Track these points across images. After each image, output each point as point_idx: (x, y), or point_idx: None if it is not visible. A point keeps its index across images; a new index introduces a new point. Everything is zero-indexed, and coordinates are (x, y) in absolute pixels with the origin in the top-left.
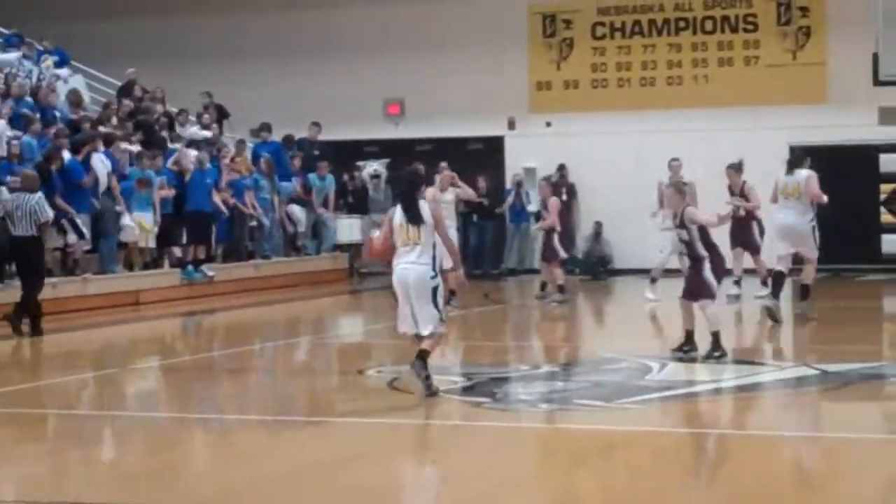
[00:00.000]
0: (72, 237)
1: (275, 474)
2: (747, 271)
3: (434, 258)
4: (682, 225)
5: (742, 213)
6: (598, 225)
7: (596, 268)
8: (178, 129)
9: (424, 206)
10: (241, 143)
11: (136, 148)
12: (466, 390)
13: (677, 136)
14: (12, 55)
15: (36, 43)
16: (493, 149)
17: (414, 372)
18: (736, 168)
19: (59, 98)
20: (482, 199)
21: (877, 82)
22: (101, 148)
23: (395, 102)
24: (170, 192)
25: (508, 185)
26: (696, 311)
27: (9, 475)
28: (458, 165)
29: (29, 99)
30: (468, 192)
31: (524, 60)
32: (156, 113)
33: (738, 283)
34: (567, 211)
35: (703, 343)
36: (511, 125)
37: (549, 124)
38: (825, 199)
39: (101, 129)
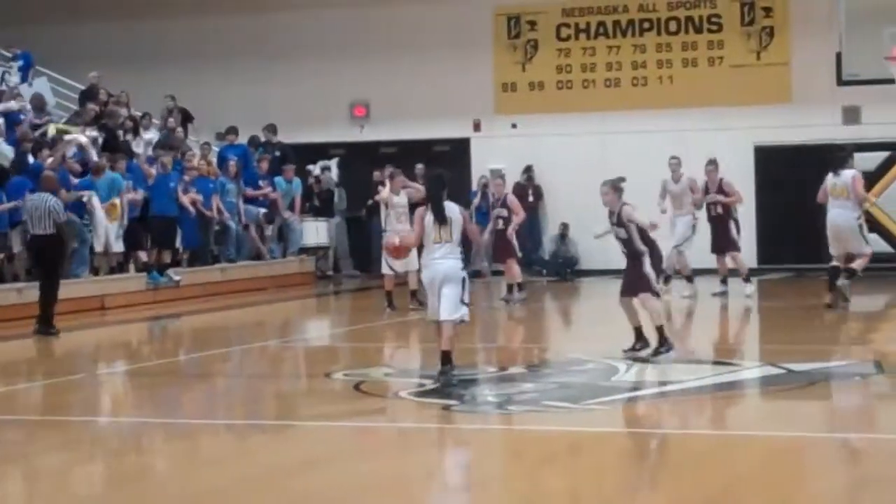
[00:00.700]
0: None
1: (242, 478)
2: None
3: (462, 254)
4: (619, 223)
5: (719, 210)
6: (565, 226)
7: (562, 269)
8: (141, 132)
9: (452, 207)
10: (205, 146)
11: (84, 138)
12: (434, 393)
13: (642, 136)
14: None
15: (1, 49)
16: (459, 151)
17: (444, 378)
18: (715, 165)
19: (24, 102)
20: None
21: (840, 82)
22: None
23: (361, 105)
24: (137, 196)
25: (475, 186)
26: (637, 306)
27: None
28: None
29: None
30: (421, 191)
31: (489, 62)
32: (120, 117)
33: (724, 281)
34: (534, 212)
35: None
36: (477, 127)
37: (514, 126)
38: (872, 199)
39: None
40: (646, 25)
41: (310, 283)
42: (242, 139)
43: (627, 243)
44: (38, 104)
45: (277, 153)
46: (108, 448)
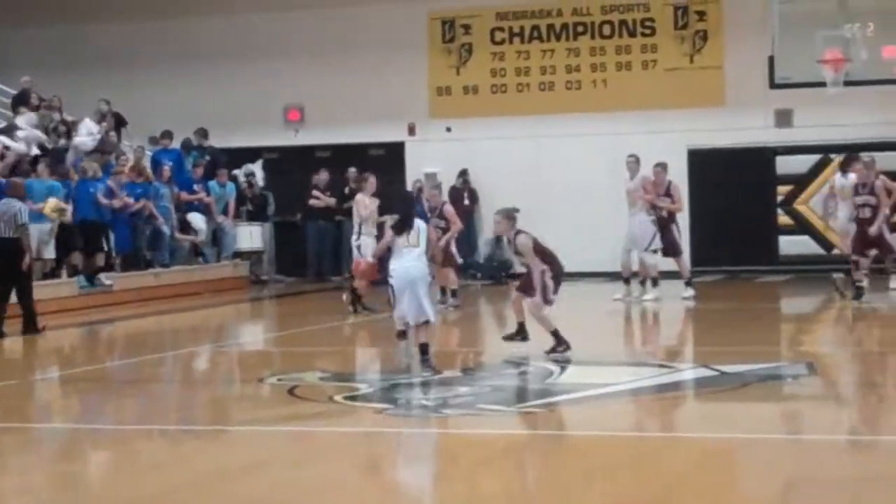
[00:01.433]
0: None
1: (177, 484)
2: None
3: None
4: (516, 251)
5: (664, 213)
6: None
7: (497, 272)
8: (73, 137)
9: (419, 222)
10: (139, 150)
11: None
12: (368, 397)
13: (577, 140)
14: None
15: None
16: (393, 154)
17: (427, 367)
18: (663, 167)
19: None
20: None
21: (773, 85)
22: None
23: (296, 108)
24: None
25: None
26: (525, 306)
27: None
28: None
29: None
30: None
31: (424, 66)
32: (53, 122)
33: (689, 283)
34: (469, 216)
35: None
36: (411, 131)
37: (449, 129)
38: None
39: None
40: (580, 29)
41: (244, 287)
42: (176, 143)
43: (527, 267)
44: None
45: (208, 157)
46: (40, 455)
